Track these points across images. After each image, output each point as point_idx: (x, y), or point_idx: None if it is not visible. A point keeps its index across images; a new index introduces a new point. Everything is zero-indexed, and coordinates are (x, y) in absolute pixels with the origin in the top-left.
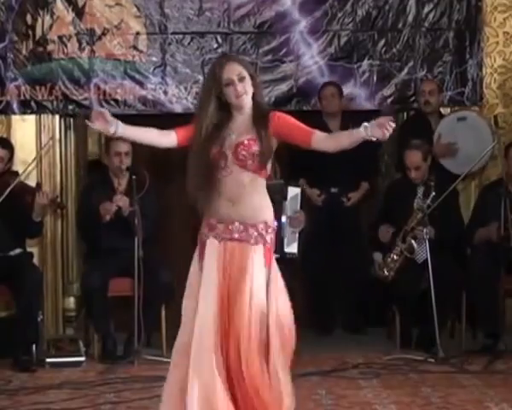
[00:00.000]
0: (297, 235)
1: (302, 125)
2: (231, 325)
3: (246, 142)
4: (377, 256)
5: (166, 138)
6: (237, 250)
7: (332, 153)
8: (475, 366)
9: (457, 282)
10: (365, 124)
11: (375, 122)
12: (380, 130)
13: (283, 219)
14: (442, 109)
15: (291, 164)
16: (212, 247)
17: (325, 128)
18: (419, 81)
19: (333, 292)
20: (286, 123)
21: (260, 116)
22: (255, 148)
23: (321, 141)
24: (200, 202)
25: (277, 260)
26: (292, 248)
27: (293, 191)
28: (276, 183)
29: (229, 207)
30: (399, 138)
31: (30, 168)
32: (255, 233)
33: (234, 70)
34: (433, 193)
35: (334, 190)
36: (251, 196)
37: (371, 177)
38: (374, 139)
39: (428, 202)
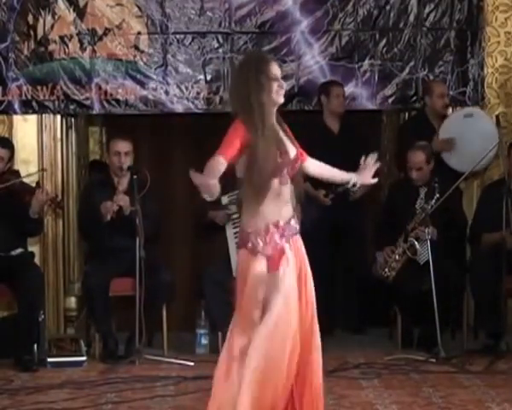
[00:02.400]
0: None
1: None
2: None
3: (300, 153)
4: (379, 256)
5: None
6: (297, 243)
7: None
8: (477, 366)
9: (459, 282)
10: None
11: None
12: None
13: None
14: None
15: None
16: (288, 252)
17: (324, 129)
18: (420, 81)
19: (334, 292)
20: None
21: (286, 128)
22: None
23: (310, 166)
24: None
25: None
26: None
27: None
28: None
29: (287, 208)
30: (400, 138)
31: (31, 171)
32: (296, 224)
33: (277, 67)
34: (437, 195)
35: (339, 189)
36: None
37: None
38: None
39: (432, 203)
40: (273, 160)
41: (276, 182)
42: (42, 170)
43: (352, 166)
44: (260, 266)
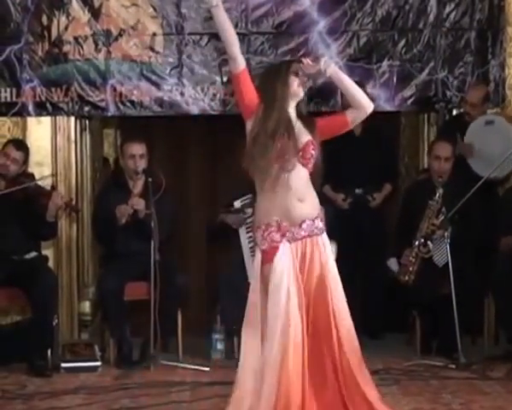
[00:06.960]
0: None
1: (334, 116)
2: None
3: (312, 142)
4: (392, 263)
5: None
6: (309, 246)
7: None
8: (497, 372)
9: (479, 286)
10: None
11: None
12: None
13: None
14: None
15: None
16: (286, 250)
17: (348, 130)
18: (440, 82)
19: (352, 297)
20: (325, 122)
21: (310, 121)
22: (315, 151)
23: (351, 114)
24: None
25: None
26: None
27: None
28: None
29: (300, 207)
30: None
31: (45, 173)
32: (320, 224)
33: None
34: (441, 190)
35: (358, 191)
36: (311, 191)
37: (393, 178)
38: None
39: (436, 198)
40: (276, 140)
41: (276, 168)
42: (52, 175)
43: (373, 168)
44: (257, 257)
